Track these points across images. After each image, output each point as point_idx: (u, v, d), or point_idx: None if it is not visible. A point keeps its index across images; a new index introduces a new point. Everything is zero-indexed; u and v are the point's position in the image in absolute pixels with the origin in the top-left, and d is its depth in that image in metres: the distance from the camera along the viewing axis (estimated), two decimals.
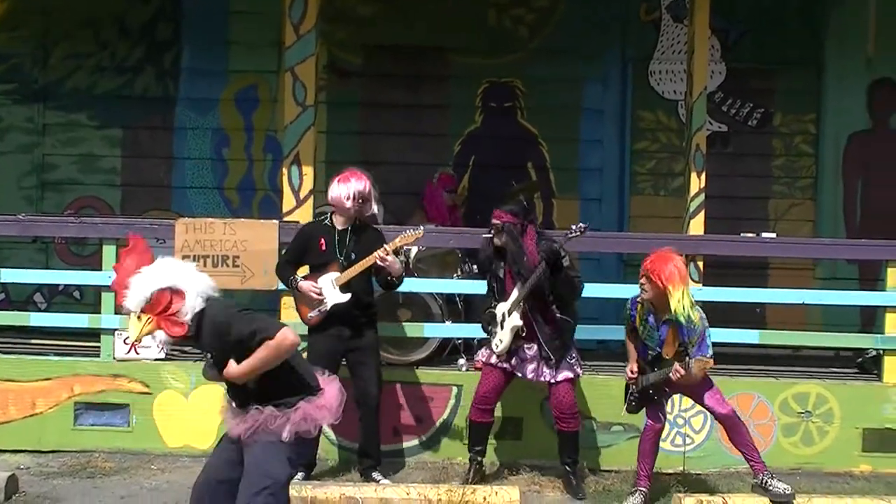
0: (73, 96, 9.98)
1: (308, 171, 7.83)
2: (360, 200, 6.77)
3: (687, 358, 6.37)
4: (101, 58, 10.01)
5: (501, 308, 6.89)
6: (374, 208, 6.99)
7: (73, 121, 10.01)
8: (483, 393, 7.05)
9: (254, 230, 7.68)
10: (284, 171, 7.88)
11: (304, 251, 6.98)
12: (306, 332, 7.05)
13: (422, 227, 6.94)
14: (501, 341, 6.94)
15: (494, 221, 6.79)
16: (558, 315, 6.85)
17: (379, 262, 6.77)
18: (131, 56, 10.07)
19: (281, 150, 8.49)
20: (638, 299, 6.62)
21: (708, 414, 7.48)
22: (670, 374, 6.41)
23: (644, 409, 6.75)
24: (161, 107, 9.97)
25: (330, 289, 6.79)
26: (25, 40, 10.04)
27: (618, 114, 9.95)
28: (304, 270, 7.09)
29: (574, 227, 6.79)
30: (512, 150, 9.88)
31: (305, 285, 6.84)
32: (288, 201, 7.86)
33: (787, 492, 6.52)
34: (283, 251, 7.28)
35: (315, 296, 6.82)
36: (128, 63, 10.04)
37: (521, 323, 6.82)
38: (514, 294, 6.87)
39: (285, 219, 7.81)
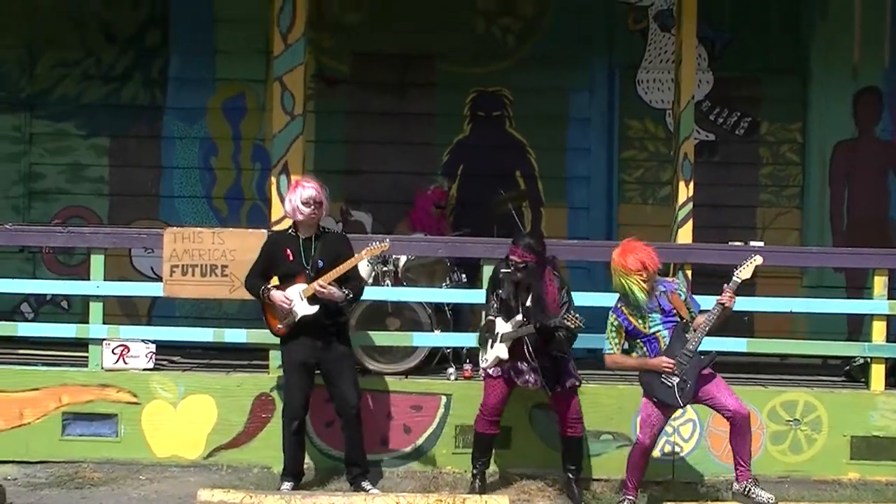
0: (61, 105, 9.98)
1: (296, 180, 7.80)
2: (315, 205, 6.77)
3: (725, 286, 6.36)
4: (88, 66, 9.97)
5: (500, 326, 6.92)
6: (326, 210, 7.02)
7: (60, 130, 9.98)
8: (493, 405, 7.03)
9: (242, 239, 7.66)
10: (273, 180, 7.88)
11: (271, 262, 6.99)
12: (280, 341, 7.01)
13: (387, 240, 6.95)
14: (487, 360, 7.02)
15: (514, 259, 6.77)
16: (553, 352, 6.91)
17: (317, 293, 6.75)
18: (119, 64, 10.00)
19: (269, 158, 8.46)
20: (620, 305, 6.58)
21: (697, 422, 7.55)
22: (723, 303, 6.32)
23: (638, 422, 6.68)
24: (149, 115, 9.95)
25: (298, 300, 6.80)
26: (11, 48, 10.02)
27: (605, 122, 9.94)
28: (273, 282, 7.07)
29: (575, 317, 6.65)
30: (500, 158, 9.89)
31: (277, 296, 6.84)
32: (277, 210, 7.84)
33: (770, 500, 6.49)
34: (252, 264, 7.24)
35: (285, 306, 6.79)
36: (115, 71, 9.99)
37: (506, 357, 6.88)
38: (509, 327, 6.92)
39: (274, 228, 7.76)
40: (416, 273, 8.57)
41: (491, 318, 7.02)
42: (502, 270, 6.87)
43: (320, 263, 6.81)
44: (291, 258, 6.85)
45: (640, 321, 6.54)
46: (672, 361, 6.42)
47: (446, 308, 8.53)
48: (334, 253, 6.85)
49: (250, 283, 7.02)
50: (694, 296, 6.88)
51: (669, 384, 6.42)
